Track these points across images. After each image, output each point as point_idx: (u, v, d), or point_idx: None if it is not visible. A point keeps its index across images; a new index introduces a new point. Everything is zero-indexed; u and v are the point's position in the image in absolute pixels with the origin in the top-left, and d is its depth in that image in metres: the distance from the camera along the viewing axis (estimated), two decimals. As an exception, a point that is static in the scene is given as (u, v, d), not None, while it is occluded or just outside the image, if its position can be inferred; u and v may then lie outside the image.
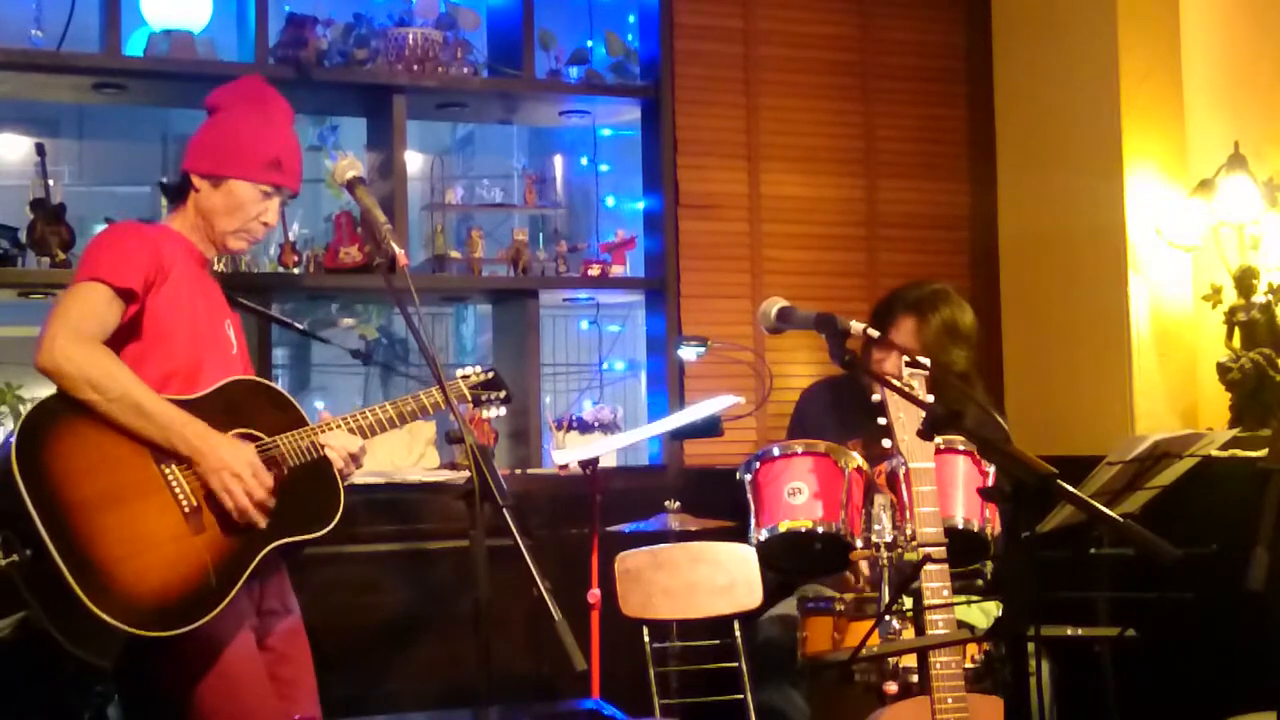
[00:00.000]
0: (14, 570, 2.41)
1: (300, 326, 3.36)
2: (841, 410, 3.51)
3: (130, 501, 2.51)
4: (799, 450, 3.10)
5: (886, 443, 2.86)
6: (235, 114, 2.87)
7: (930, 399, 2.78)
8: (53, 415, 2.52)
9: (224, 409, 2.66)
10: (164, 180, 2.93)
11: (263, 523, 2.61)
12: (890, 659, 2.81)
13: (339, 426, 2.78)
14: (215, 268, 3.05)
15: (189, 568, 2.52)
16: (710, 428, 3.79)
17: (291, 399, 2.81)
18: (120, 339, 2.64)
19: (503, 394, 3.03)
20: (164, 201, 3.10)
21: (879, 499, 2.95)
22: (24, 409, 3.43)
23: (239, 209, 2.82)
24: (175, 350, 2.69)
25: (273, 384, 2.86)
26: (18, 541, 2.41)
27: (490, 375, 3.03)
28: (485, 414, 3.03)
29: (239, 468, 2.58)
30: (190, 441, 2.56)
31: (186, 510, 2.55)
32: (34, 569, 2.40)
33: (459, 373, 3.03)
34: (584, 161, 4.94)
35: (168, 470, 2.56)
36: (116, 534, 2.47)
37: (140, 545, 2.48)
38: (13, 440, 2.45)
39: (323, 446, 2.73)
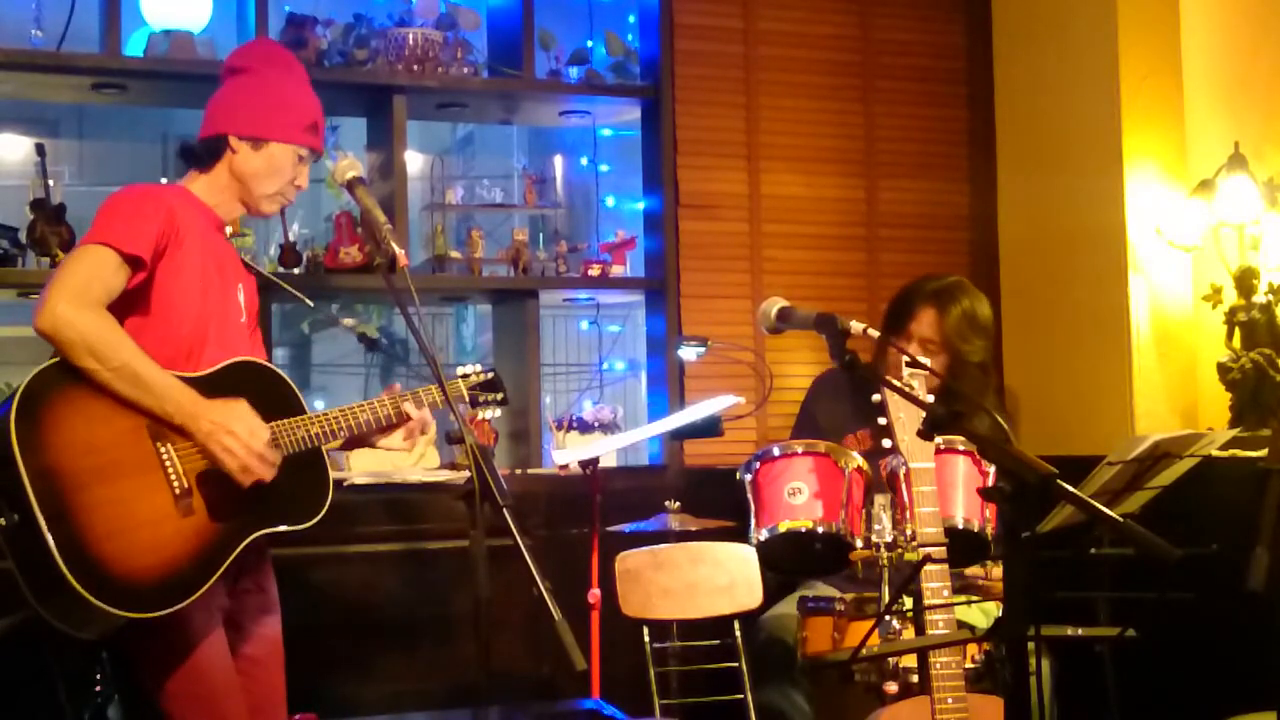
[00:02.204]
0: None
1: (310, 303, 3.35)
2: (854, 398, 3.51)
3: (122, 478, 2.50)
4: (799, 450, 3.10)
5: (887, 443, 2.86)
6: (269, 76, 2.85)
7: (930, 399, 2.78)
8: (53, 384, 2.50)
9: (224, 390, 2.64)
10: (186, 143, 2.87)
11: (270, 475, 2.60)
12: (890, 659, 2.81)
13: (341, 418, 2.77)
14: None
15: (172, 551, 2.51)
16: (710, 428, 3.79)
17: (291, 384, 2.79)
18: (124, 311, 2.61)
19: (499, 396, 3.01)
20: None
21: (879, 499, 2.95)
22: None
23: (278, 172, 2.82)
24: (180, 322, 2.67)
25: (275, 368, 2.82)
26: (6, 506, 2.41)
27: (490, 376, 3.01)
28: (481, 415, 3.02)
29: (234, 425, 2.56)
30: (184, 408, 2.54)
31: (177, 491, 2.54)
32: (19, 535, 2.40)
33: (459, 371, 3.01)
34: (584, 161, 4.94)
35: (163, 449, 2.55)
36: (105, 510, 2.46)
37: (127, 524, 2.48)
38: (12, 405, 2.44)
39: (317, 437, 2.71)
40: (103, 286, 2.55)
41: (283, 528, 2.68)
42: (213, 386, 2.63)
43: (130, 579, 2.46)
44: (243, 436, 2.57)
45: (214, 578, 2.56)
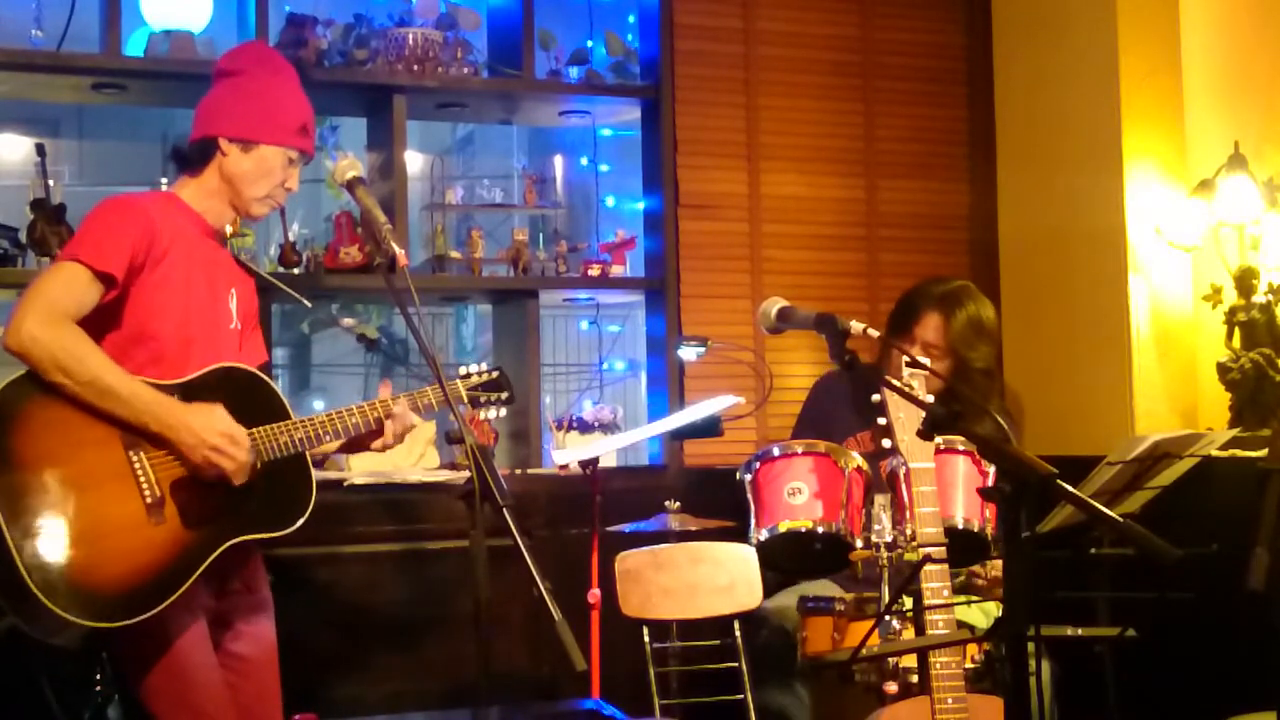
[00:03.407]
0: None
1: (308, 303, 3.34)
2: (855, 401, 3.50)
3: (92, 488, 2.50)
4: (799, 450, 3.10)
5: (887, 443, 2.85)
6: (259, 79, 2.85)
7: (932, 399, 2.78)
8: (24, 394, 2.50)
9: (204, 397, 2.63)
10: (177, 146, 2.87)
11: (244, 477, 2.60)
12: (890, 659, 2.80)
13: (326, 423, 2.75)
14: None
15: (143, 560, 2.51)
16: (710, 428, 3.79)
17: (275, 389, 2.78)
18: (101, 326, 2.61)
19: (504, 395, 2.98)
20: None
21: (879, 499, 2.95)
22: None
23: (268, 174, 2.81)
24: (162, 333, 2.67)
25: (258, 373, 2.80)
26: None
27: (494, 375, 2.98)
28: (485, 415, 3.00)
29: (213, 439, 2.56)
30: (161, 419, 2.54)
31: (149, 501, 2.54)
32: None
33: (461, 371, 2.99)
34: (584, 161, 4.94)
35: (135, 458, 2.55)
36: (74, 520, 2.46)
37: (96, 533, 2.48)
38: None
39: (300, 443, 2.70)
40: (73, 302, 2.55)
41: (259, 535, 2.67)
42: (190, 394, 2.63)
43: (98, 588, 2.45)
44: (225, 447, 2.57)
45: (184, 586, 2.54)
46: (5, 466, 2.44)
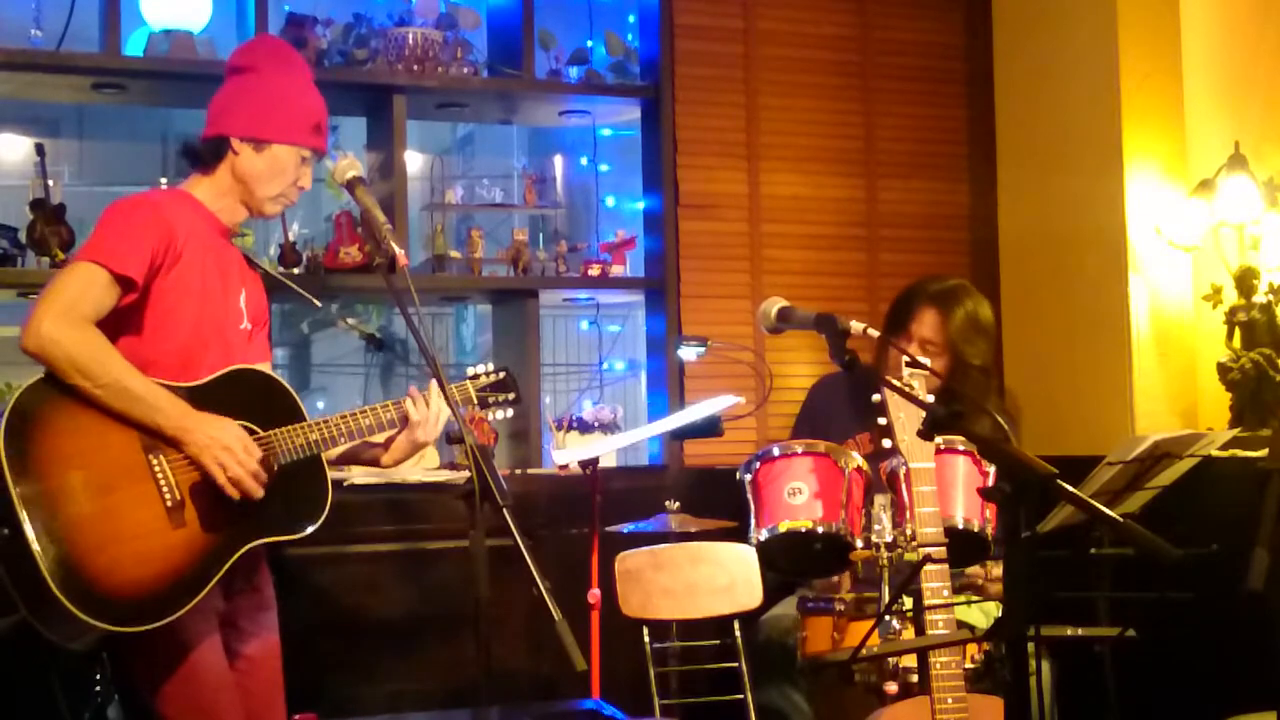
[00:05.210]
0: None
1: (318, 303, 3.33)
2: (852, 403, 3.51)
3: (113, 491, 2.49)
4: (799, 450, 3.10)
5: (887, 442, 2.85)
6: (271, 76, 2.82)
7: (931, 399, 2.78)
8: (44, 397, 2.50)
9: (219, 400, 2.63)
10: (189, 143, 2.84)
11: (260, 493, 2.58)
12: (890, 659, 2.80)
13: (341, 423, 2.74)
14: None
15: (163, 563, 2.50)
16: (710, 428, 3.79)
17: (289, 390, 2.76)
18: (117, 328, 2.60)
19: (511, 396, 2.95)
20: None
21: (879, 499, 2.95)
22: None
23: (281, 174, 2.79)
24: (177, 334, 2.66)
25: (273, 375, 2.79)
26: None
27: (501, 376, 2.96)
28: (492, 416, 2.98)
29: (228, 441, 2.55)
30: (176, 421, 2.53)
31: (169, 504, 2.53)
32: (9, 548, 2.39)
33: (469, 372, 2.97)
34: (584, 161, 4.94)
35: (155, 461, 2.54)
36: (95, 524, 2.45)
37: (117, 537, 2.47)
38: (1, 420, 2.43)
39: (316, 444, 2.69)
40: (91, 304, 2.53)
41: (277, 538, 2.66)
42: (206, 397, 2.61)
43: (119, 592, 2.45)
44: (238, 452, 2.56)
45: (204, 591, 2.54)
46: (27, 470, 2.42)
